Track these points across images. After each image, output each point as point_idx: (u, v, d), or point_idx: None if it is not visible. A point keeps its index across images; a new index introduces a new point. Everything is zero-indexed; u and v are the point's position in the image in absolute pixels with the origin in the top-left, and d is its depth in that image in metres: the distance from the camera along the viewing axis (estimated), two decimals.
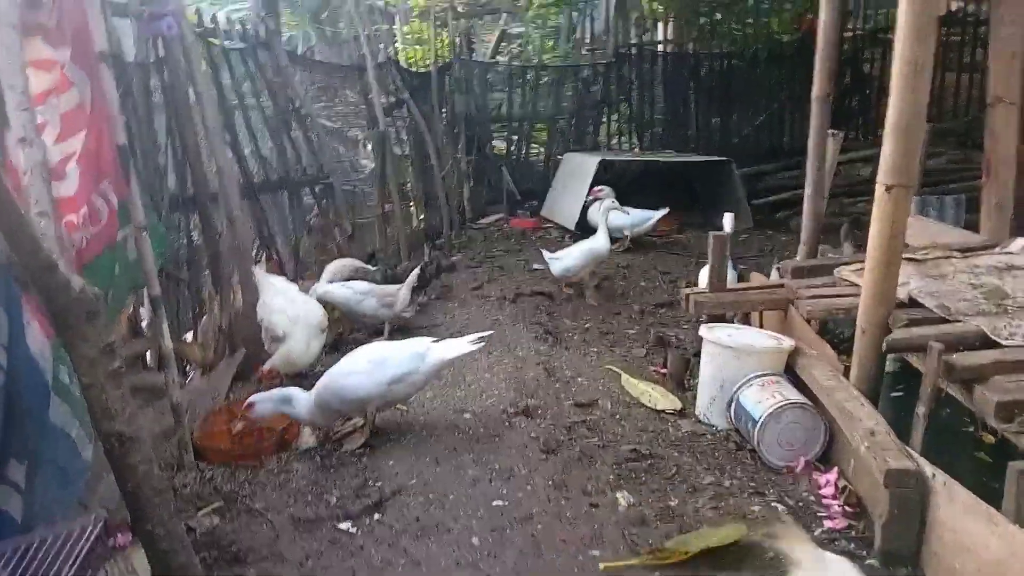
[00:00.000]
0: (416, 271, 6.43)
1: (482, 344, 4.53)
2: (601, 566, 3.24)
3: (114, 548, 2.49)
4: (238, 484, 4.00)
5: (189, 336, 5.63)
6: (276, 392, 4.32)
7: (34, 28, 3.16)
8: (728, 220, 6.61)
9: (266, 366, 5.23)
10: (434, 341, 4.49)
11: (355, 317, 6.28)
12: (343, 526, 3.57)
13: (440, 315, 6.78)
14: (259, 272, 5.56)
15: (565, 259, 7.22)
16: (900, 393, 4.69)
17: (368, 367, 4.26)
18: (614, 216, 7.82)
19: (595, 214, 8.62)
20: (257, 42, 6.89)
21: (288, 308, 5.29)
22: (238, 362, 5.52)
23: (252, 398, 4.23)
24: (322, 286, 6.12)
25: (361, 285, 6.16)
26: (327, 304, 5.90)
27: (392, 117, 9.38)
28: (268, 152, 7.09)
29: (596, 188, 9.13)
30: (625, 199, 9.03)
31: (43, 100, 3.22)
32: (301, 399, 4.26)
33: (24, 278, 2.48)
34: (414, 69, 11.43)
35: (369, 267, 6.92)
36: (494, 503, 3.75)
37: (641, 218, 9.27)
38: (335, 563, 3.29)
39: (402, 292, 6.15)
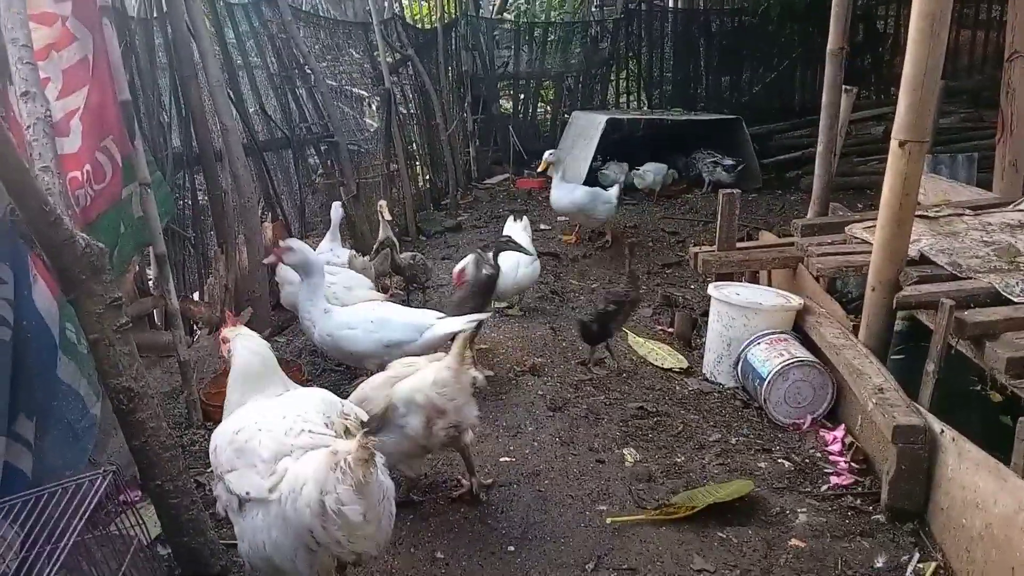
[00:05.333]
0: None
1: (477, 323, 4.37)
2: (608, 520, 3.26)
3: (124, 503, 2.50)
4: None
5: (196, 295, 5.64)
6: (319, 262, 4.18)
7: None
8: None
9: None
10: (440, 317, 4.44)
11: None
12: None
13: (445, 275, 6.75)
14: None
15: None
16: (901, 356, 4.66)
17: (368, 326, 4.23)
18: None
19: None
20: None
21: None
22: (245, 321, 5.53)
23: (293, 242, 4.17)
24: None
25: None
26: None
27: (397, 75, 9.26)
28: (272, 110, 7.01)
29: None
30: (634, 159, 8.94)
31: (45, 55, 3.17)
32: (317, 307, 4.15)
33: (29, 234, 2.46)
34: (420, 26, 11.27)
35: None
36: (501, 459, 3.77)
37: None
38: None
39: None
